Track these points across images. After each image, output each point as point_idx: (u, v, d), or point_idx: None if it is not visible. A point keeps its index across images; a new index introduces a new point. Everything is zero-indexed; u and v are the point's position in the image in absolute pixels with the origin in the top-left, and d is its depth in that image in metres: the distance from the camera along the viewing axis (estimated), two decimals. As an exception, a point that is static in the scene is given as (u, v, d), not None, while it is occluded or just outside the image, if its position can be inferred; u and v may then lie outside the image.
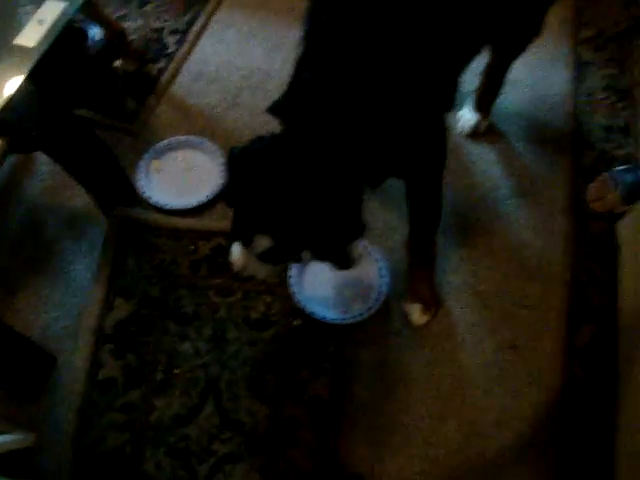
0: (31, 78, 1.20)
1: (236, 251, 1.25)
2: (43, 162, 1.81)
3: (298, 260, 1.28)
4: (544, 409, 1.47)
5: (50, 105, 1.34)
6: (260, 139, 1.15)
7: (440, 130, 1.30)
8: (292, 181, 1.08)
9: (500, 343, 1.54)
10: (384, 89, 1.08)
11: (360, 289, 1.59)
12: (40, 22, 1.14)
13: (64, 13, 1.16)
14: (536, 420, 1.46)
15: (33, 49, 1.12)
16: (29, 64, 1.14)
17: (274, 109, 1.15)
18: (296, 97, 1.14)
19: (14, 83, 1.16)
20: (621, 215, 1.66)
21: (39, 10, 1.15)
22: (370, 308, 1.55)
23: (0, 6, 1.20)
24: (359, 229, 1.18)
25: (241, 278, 1.37)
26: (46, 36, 1.14)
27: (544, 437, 1.44)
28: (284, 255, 1.20)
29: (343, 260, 1.23)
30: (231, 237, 1.24)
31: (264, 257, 1.16)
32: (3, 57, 1.13)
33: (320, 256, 1.22)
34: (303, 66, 1.14)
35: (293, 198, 1.07)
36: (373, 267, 1.60)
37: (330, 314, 1.55)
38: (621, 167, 1.72)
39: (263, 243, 1.12)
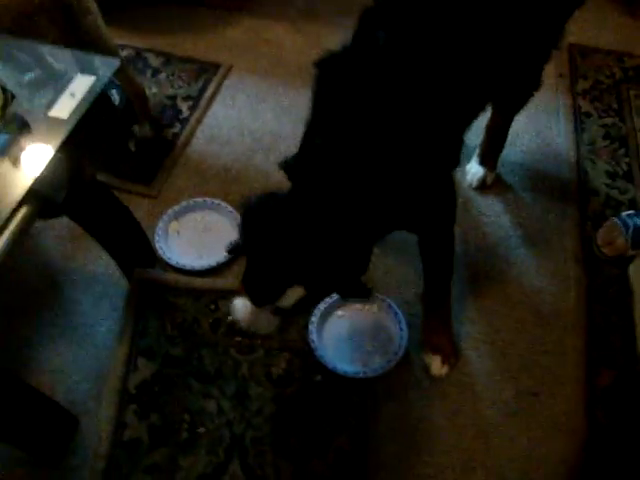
0: (62, 148, 1.26)
1: (240, 307, 1.23)
2: (64, 226, 1.85)
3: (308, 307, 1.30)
4: (570, 455, 1.46)
5: (77, 172, 1.39)
6: (272, 196, 1.19)
7: (449, 186, 1.35)
8: (312, 237, 1.11)
9: (521, 390, 1.55)
10: (392, 153, 1.12)
11: (380, 343, 1.61)
12: (72, 95, 1.20)
13: (93, 87, 1.23)
14: (563, 467, 1.45)
15: (66, 121, 1.18)
16: (62, 136, 1.20)
17: (286, 168, 1.20)
18: (307, 159, 1.19)
19: (48, 154, 1.21)
20: (632, 259, 1.69)
21: (71, 84, 1.22)
22: (390, 361, 1.56)
23: (38, 81, 1.26)
24: (363, 268, 1.22)
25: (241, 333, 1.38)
26: (77, 108, 1.20)
27: (571, 485, 1.44)
28: (308, 304, 1.23)
29: (360, 291, 1.26)
30: (252, 296, 1.22)
31: (296, 311, 1.19)
32: (40, 128, 1.19)
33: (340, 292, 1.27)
34: (313, 132, 1.20)
35: (319, 252, 1.11)
36: (392, 320, 1.63)
37: (350, 368, 1.56)
38: (628, 212, 1.76)
39: (296, 294, 1.13)
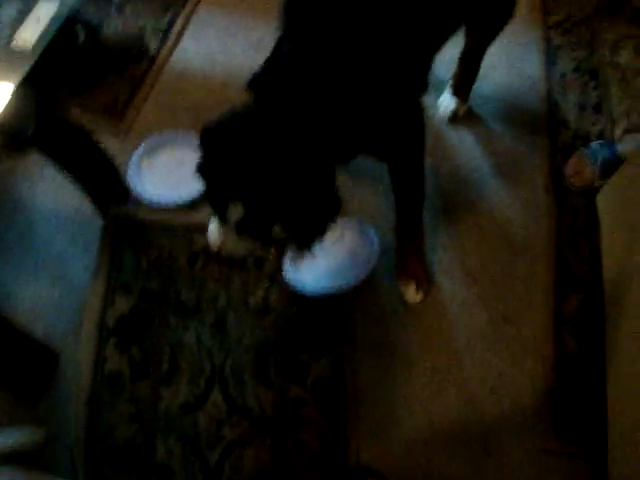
0: (28, 79, 1.23)
1: (213, 230, 1.26)
2: (35, 165, 1.82)
3: (268, 237, 1.24)
4: (539, 377, 1.53)
5: (45, 104, 1.36)
6: (233, 113, 1.17)
7: (416, 111, 1.35)
8: (263, 152, 1.10)
9: (492, 315, 1.60)
10: (358, 65, 1.12)
11: (352, 261, 1.63)
12: (37, 20, 1.16)
13: (60, 11, 1.19)
14: (532, 388, 1.52)
15: (31, 49, 1.15)
16: (28, 64, 1.17)
17: (251, 83, 1.18)
18: (272, 70, 1.17)
19: (13, 83, 1.18)
20: (599, 189, 1.73)
21: (34, 9, 1.18)
22: (357, 276, 1.58)
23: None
24: (334, 204, 1.21)
25: (221, 259, 1.36)
26: (43, 35, 1.16)
27: (540, 404, 1.50)
28: (257, 226, 1.20)
29: (311, 237, 1.25)
30: (210, 208, 1.24)
31: (239, 228, 1.16)
32: (4, 55, 1.15)
33: (292, 230, 1.22)
34: (282, 41, 1.18)
35: (263, 167, 1.09)
36: (364, 242, 1.65)
37: (320, 285, 1.57)
38: (596, 142, 1.79)
39: (236, 212, 1.13)
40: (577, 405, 1.49)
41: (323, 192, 1.17)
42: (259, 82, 1.16)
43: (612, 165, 1.70)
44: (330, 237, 1.65)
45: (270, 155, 1.09)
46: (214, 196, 1.17)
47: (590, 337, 1.55)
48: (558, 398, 1.50)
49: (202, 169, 1.18)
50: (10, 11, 1.23)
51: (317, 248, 1.61)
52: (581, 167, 1.75)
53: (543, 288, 1.64)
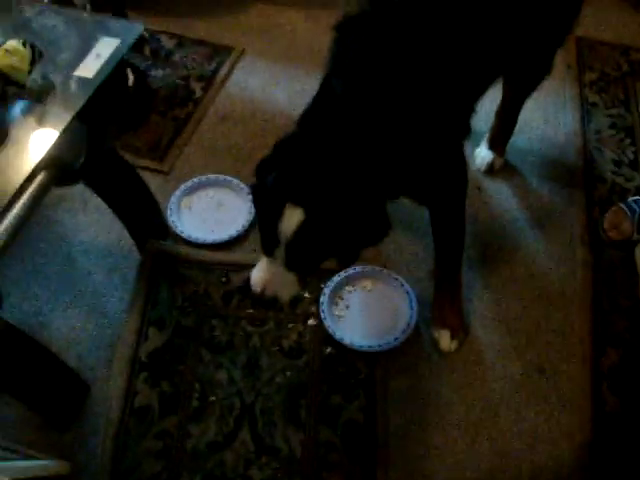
0: (82, 113, 1.28)
1: (258, 269, 1.24)
2: (78, 199, 1.87)
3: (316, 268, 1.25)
4: (575, 431, 1.48)
5: (96, 139, 1.41)
6: (286, 142, 1.19)
7: (458, 155, 1.38)
8: (322, 170, 1.12)
9: (527, 367, 1.58)
10: (405, 106, 1.15)
11: (390, 319, 1.63)
12: (98, 56, 1.22)
13: (118, 49, 1.25)
14: (569, 443, 1.47)
15: (91, 80, 1.20)
16: (86, 95, 1.22)
17: (302, 119, 1.22)
18: (322, 108, 1.20)
19: (70, 115, 1.23)
20: (637, 242, 1.72)
21: (96, 46, 1.24)
22: (397, 338, 1.58)
23: (66, 42, 1.28)
24: (385, 227, 1.21)
25: (263, 304, 1.29)
26: (102, 69, 1.21)
27: (577, 460, 1.45)
28: (312, 257, 1.21)
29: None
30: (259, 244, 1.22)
31: (292, 255, 1.15)
32: (64, 87, 1.20)
33: (345, 256, 1.24)
34: (330, 77, 1.21)
35: (325, 180, 1.11)
36: (403, 298, 1.65)
37: (358, 342, 1.58)
38: (632, 198, 1.79)
39: (296, 217, 1.10)
40: (616, 463, 1.44)
41: (378, 217, 1.18)
42: (307, 120, 1.20)
43: (650, 220, 1.71)
44: (364, 287, 1.68)
45: (332, 176, 1.10)
46: (270, 216, 1.15)
47: (631, 393, 1.51)
48: (596, 455, 1.45)
49: (257, 190, 1.20)
50: (71, 53, 1.29)
51: (352, 299, 1.64)
52: (619, 220, 1.75)
53: (580, 341, 1.61)
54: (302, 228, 1.10)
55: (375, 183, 1.14)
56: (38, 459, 1.37)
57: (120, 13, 1.93)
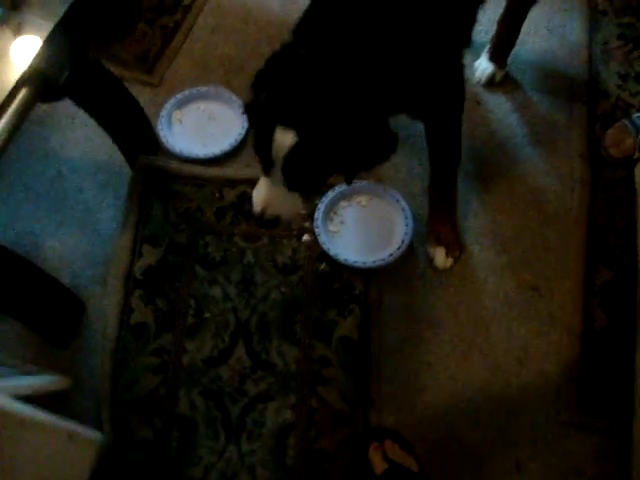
0: (64, 24, 1.21)
1: (258, 188, 1.20)
2: (66, 115, 1.81)
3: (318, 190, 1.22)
4: (565, 348, 1.51)
5: (79, 52, 1.34)
6: (282, 55, 1.12)
7: (457, 65, 1.31)
8: (319, 90, 1.06)
9: (521, 284, 1.58)
10: (403, 12, 1.09)
11: (384, 234, 1.62)
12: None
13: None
14: (557, 358, 1.50)
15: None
16: (63, 9, 1.15)
17: (296, 31, 1.15)
18: (315, 14, 1.14)
19: (49, 27, 1.17)
20: (638, 161, 1.68)
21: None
22: (392, 255, 1.57)
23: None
24: (391, 141, 1.16)
25: (265, 224, 1.23)
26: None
27: (565, 375, 1.49)
28: (312, 177, 1.16)
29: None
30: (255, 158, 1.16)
31: (289, 177, 1.11)
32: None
33: (351, 171, 1.19)
34: None
35: (319, 98, 1.05)
36: (398, 213, 1.63)
37: (353, 257, 1.57)
38: (637, 115, 1.74)
39: (287, 140, 1.05)
40: (603, 379, 1.47)
41: (377, 135, 1.13)
42: (303, 29, 1.13)
43: (653, 137, 1.67)
44: (359, 202, 1.65)
45: (326, 91, 1.05)
46: (262, 139, 1.09)
47: (620, 311, 1.52)
48: (584, 371, 1.48)
49: (251, 109, 1.14)
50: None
51: (347, 215, 1.62)
52: (621, 138, 1.71)
53: (574, 259, 1.60)
54: (294, 151, 1.05)
55: (372, 97, 1.09)
56: (39, 375, 1.40)
57: None
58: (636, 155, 1.69)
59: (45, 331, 1.49)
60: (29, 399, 1.18)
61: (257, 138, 1.12)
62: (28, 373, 1.36)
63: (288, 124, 1.04)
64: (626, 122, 1.72)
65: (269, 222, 1.20)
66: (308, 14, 1.16)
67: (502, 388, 1.48)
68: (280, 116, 1.05)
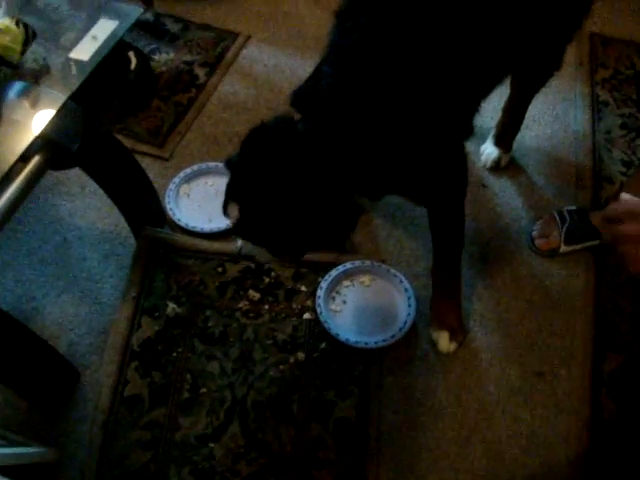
0: (78, 95, 1.25)
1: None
2: (75, 183, 1.85)
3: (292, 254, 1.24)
4: (571, 436, 1.46)
5: (93, 122, 1.38)
6: (276, 122, 1.14)
7: (459, 154, 1.32)
8: (286, 162, 1.08)
9: (526, 370, 1.54)
10: (402, 100, 1.09)
11: (387, 315, 1.60)
12: (94, 38, 1.19)
13: (116, 31, 1.22)
14: (564, 449, 1.44)
15: (86, 62, 1.17)
16: (79, 79, 1.19)
17: (294, 99, 1.16)
18: (315, 91, 1.14)
19: (64, 97, 1.20)
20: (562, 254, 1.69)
21: (94, 28, 1.21)
22: (394, 336, 1.55)
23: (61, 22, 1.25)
24: (342, 227, 1.17)
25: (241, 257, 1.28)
26: (98, 51, 1.18)
27: (573, 466, 1.43)
28: (254, 232, 1.17)
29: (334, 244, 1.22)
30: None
31: (236, 230, 1.17)
32: (59, 69, 1.17)
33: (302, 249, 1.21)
34: (323, 63, 1.16)
35: (271, 179, 1.08)
36: (401, 294, 1.62)
37: (354, 338, 1.55)
38: (569, 207, 1.74)
39: (233, 212, 1.13)
40: (612, 471, 1.41)
41: (340, 221, 1.15)
42: (300, 99, 1.15)
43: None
44: (362, 282, 1.65)
45: (288, 170, 1.07)
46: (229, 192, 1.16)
47: (630, 401, 1.48)
48: (592, 462, 1.42)
49: (231, 163, 1.18)
50: (72, 34, 1.26)
51: (349, 294, 1.61)
52: (549, 231, 1.72)
53: (581, 344, 1.57)
54: (239, 223, 1.13)
55: (334, 182, 1.09)
56: (25, 446, 1.36)
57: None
58: (562, 249, 1.69)
59: (35, 399, 1.46)
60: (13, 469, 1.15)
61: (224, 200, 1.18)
62: (16, 444, 1.32)
63: (233, 199, 1.13)
64: (555, 214, 1.73)
65: (245, 257, 1.26)
66: (296, 92, 1.17)
67: (506, 479, 1.42)
68: (230, 191, 1.14)
